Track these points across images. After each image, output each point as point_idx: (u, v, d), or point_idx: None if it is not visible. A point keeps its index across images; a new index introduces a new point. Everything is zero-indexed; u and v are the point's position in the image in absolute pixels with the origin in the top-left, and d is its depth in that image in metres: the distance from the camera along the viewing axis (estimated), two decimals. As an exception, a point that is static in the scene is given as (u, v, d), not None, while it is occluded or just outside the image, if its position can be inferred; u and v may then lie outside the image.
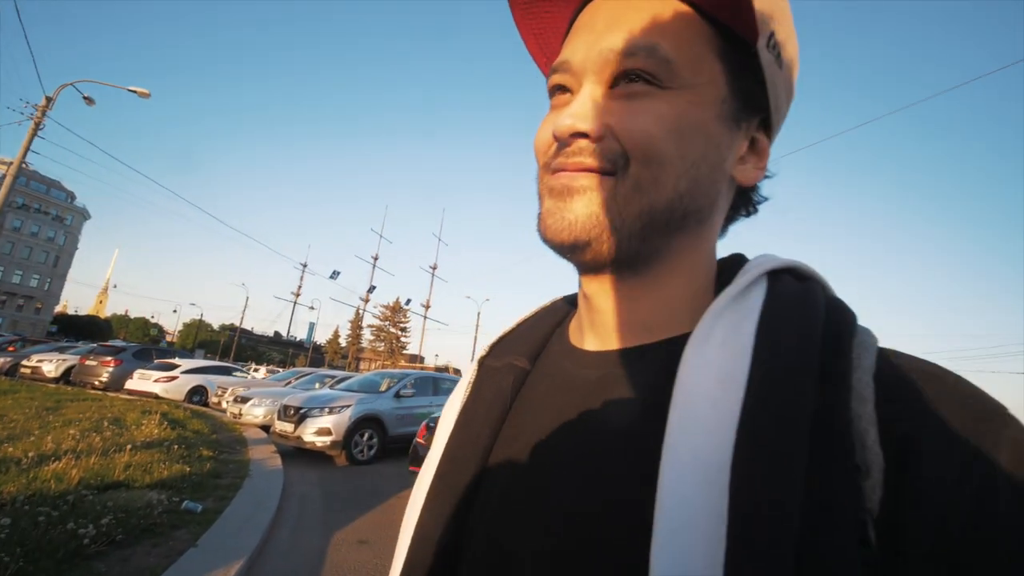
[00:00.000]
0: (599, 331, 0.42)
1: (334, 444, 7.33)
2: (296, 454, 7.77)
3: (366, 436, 7.70)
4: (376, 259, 43.21)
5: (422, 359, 45.19)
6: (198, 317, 63.25)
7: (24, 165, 15.96)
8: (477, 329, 42.31)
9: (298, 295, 46.94)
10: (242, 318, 47.64)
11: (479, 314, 42.93)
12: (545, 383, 0.44)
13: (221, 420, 10.14)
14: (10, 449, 4.91)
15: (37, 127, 14.66)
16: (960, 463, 0.28)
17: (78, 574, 2.85)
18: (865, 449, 0.29)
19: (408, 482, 6.21)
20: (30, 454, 4.71)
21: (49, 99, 14.16)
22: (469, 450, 0.43)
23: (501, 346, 0.50)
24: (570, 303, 0.51)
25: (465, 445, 0.44)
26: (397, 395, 8.38)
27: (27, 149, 15.98)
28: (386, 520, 4.87)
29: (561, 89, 0.40)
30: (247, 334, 62.17)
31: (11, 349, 16.88)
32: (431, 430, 5.75)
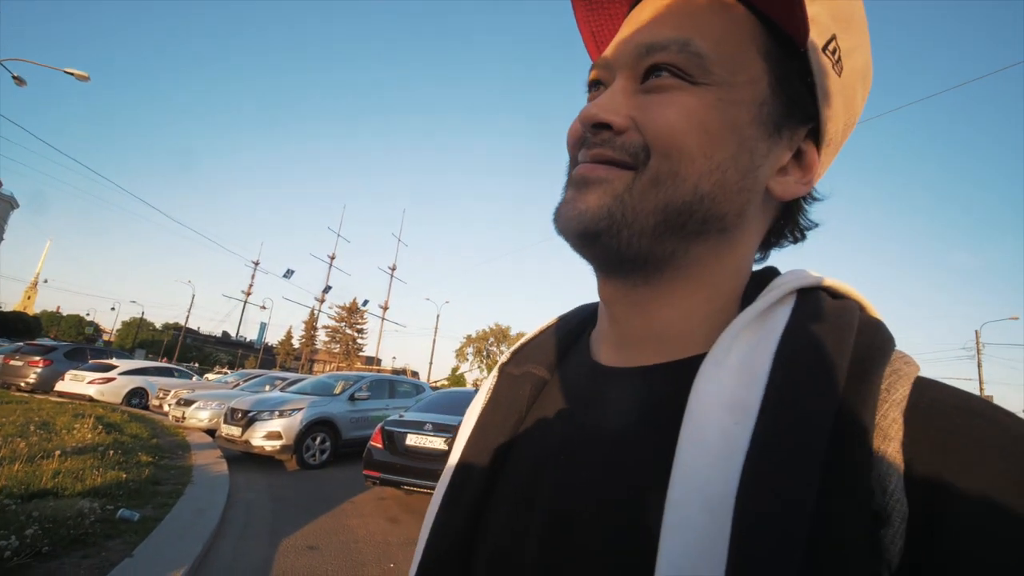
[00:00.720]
0: (616, 344, 0.41)
1: (284, 448, 7.11)
2: (244, 459, 7.48)
3: (318, 440, 7.51)
4: (333, 258, 42.18)
5: (379, 361, 44.38)
6: (138, 315, 59.84)
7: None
8: (436, 331, 41.95)
9: (249, 294, 45.14)
10: (187, 317, 45.35)
11: (438, 316, 42.59)
12: (560, 397, 0.43)
13: (162, 424, 9.64)
14: (-80, 456, 4.52)
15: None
16: (1006, 524, 0.23)
17: None
18: (886, 495, 0.26)
19: (361, 486, 6.11)
20: (-56, 462, 4.36)
21: (-27, 77, 13.09)
22: (483, 459, 0.43)
23: (522, 354, 0.49)
24: (594, 312, 0.49)
25: (480, 453, 0.43)
26: (352, 398, 8.23)
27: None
28: (337, 525, 4.78)
29: (596, 84, 0.40)
30: (193, 334, 59.22)
31: None
32: (387, 433, 5.69)
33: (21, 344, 15.28)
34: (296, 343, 53.57)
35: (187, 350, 50.31)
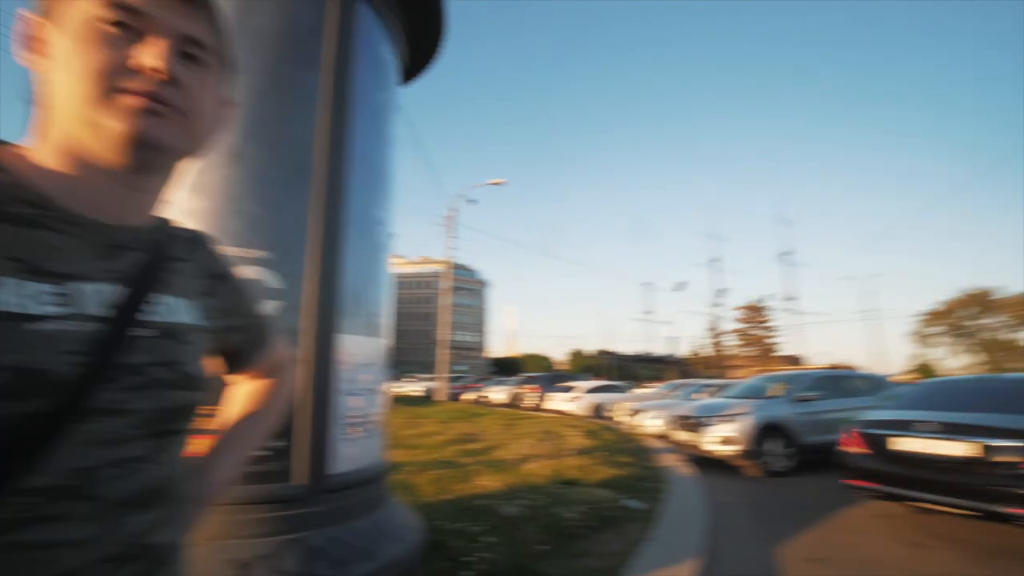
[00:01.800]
0: None
1: (741, 453, 7.04)
2: (701, 463, 7.84)
3: (775, 445, 7.08)
4: (715, 262, 41.29)
5: (798, 359, 39.56)
6: (578, 347, 74.73)
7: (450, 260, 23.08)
8: (870, 314, 34.21)
9: (650, 313, 49.32)
10: (610, 342, 53.35)
11: (869, 294, 34.73)
12: None
13: (622, 431, 11.32)
14: (501, 453, 6.75)
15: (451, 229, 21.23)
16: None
17: (573, 548, 3.53)
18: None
19: (841, 496, 5.32)
20: (512, 458, 6.35)
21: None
22: None
23: None
24: None
25: None
26: (797, 399, 7.47)
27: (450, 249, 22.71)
28: (839, 540, 4.24)
29: None
30: (616, 356, 69.28)
31: (477, 386, 24.28)
32: (869, 437, 4.79)
33: (522, 376, 21.94)
34: (705, 351, 54.27)
35: (617, 369, 58.89)
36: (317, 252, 2.21)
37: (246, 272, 2.03)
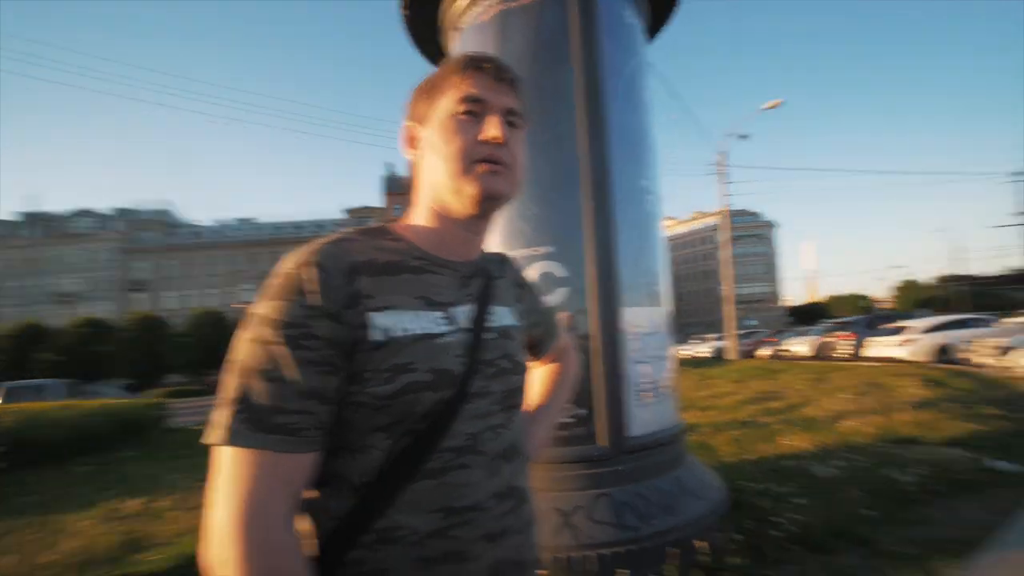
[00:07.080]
0: None
1: None
2: None
3: None
4: None
5: None
6: (905, 278, 58.82)
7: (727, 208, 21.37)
8: None
9: (1027, 212, 34.84)
10: (958, 264, 40.21)
11: None
12: None
13: (985, 377, 8.76)
14: (810, 411, 6.25)
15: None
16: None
17: (909, 515, 3.05)
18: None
19: None
20: (823, 415, 5.80)
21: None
22: None
23: None
24: None
25: None
26: None
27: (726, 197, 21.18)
28: None
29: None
30: (970, 280, 51.61)
31: (773, 340, 22.18)
32: None
33: (829, 324, 19.22)
34: None
35: (973, 298, 44.16)
36: (592, 237, 2.37)
37: (536, 268, 2.39)
